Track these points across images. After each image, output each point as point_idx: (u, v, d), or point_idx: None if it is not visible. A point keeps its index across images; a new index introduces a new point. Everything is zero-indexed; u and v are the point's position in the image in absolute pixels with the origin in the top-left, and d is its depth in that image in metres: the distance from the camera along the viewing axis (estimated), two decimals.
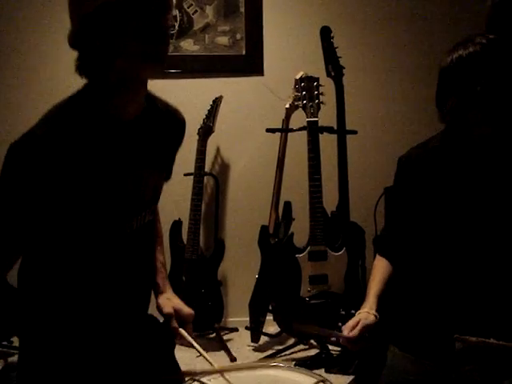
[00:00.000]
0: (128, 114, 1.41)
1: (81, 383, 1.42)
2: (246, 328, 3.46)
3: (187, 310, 1.62)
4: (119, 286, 1.50)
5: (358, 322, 1.68)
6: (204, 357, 1.48)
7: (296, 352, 3.32)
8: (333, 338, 1.74)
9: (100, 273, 1.46)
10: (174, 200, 3.58)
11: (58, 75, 3.51)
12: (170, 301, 1.63)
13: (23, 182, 1.30)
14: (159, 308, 1.62)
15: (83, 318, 1.44)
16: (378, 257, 1.86)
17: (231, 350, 3.31)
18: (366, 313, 1.70)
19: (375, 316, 1.70)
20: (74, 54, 1.38)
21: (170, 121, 1.58)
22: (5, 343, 3.32)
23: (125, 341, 1.50)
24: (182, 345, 1.60)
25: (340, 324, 2.68)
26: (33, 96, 3.61)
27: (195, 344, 1.54)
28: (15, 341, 3.37)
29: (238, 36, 3.75)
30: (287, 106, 3.53)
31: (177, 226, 3.56)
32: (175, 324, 1.58)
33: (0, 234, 1.33)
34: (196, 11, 3.79)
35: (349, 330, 1.67)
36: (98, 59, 1.34)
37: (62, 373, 1.42)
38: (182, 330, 1.57)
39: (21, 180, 1.30)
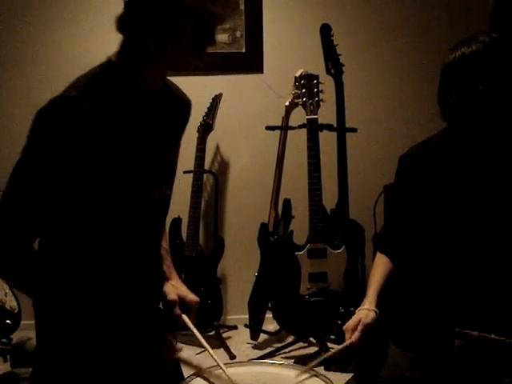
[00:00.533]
0: (152, 87, 1.44)
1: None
2: (246, 326, 3.46)
3: (191, 297, 1.60)
4: (139, 257, 1.50)
5: (358, 322, 1.68)
6: (204, 347, 1.49)
7: (295, 350, 3.32)
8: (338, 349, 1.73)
9: (121, 244, 1.44)
10: (174, 197, 3.57)
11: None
12: (175, 288, 1.61)
13: (57, 143, 1.26)
14: (164, 295, 1.60)
15: (101, 289, 1.41)
16: (378, 254, 1.86)
17: (230, 347, 3.31)
18: (366, 310, 1.70)
19: (375, 312, 1.69)
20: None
21: (179, 99, 1.60)
22: (4, 340, 3.32)
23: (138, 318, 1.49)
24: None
25: (340, 322, 2.69)
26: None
27: (196, 332, 1.53)
28: (14, 338, 3.37)
29: (238, 33, 3.75)
30: (287, 103, 3.53)
31: (176, 223, 3.56)
32: (178, 311, 1.56)
33: (30, 200, 1.29)
34: None
35: (350, 332, 1.66)
36: (146, 34, 1.34)
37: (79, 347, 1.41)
38: (184, 317, 1.56)
39: (55, 142, 1.26)
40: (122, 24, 1.36)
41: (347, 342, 1.66)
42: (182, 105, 1.61)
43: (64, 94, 1.30)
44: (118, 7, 1.37)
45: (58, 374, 1.43)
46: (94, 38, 3.64)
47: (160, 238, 1.62)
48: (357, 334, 1.65)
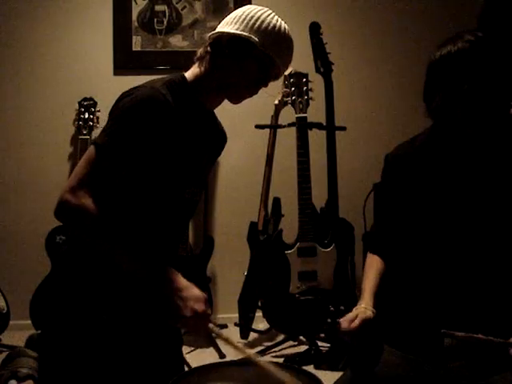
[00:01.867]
0: (209, 107, 1.74)
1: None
2: (236, 324, 3.46)
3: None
4: (168, 233, 1.74)
5: (356, 316, 1.67)
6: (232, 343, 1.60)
7: (285, 348, 3.32)
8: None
9: (159, 219, 1.68)
10: None
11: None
12: None
13: (144, 128, 1.53)
14: None
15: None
16: (369, 254, 1.86)
17: (220, 346, 3.29)
18: (364, 308, 1.69)
19: (372, 311, 1.69)
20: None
21: (221, 131, 1.86)
22: None
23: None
24: None
25: (329, 320, 2.69)
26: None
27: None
28: (3, 338, 3.35)
29: None
30: (276, 102, 3.53)
31: None
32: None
33: (110, 164, 1.53)
34: (185, 7, 3.78)
35: (348, 322, 1.66)
36: (219, 65, 1.66)
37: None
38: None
39: (143, 126, 1.53)
40: (208, 57, 1.67)
41: (346, 328, 1.64)
42: (222, 136, 1.88)
43: (152, 88, 1.58)
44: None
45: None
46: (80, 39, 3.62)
47: (186, 227, 1.90)
48: (356, 322, 1.64)
